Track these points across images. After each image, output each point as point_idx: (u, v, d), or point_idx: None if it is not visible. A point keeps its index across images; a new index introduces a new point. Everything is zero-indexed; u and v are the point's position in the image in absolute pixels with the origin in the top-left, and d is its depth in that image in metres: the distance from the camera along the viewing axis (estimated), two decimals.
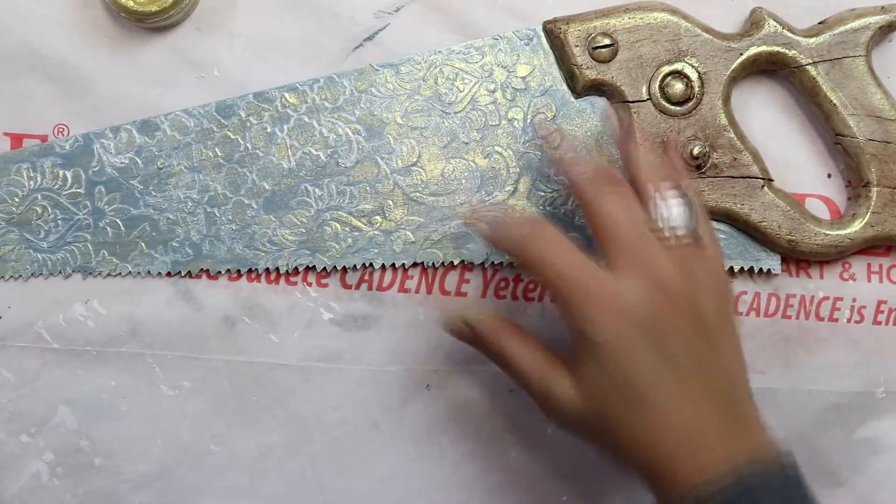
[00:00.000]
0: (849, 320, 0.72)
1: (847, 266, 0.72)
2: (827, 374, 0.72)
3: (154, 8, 0.68)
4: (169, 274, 0.68)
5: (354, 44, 0.71)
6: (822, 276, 0.72)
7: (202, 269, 0.68)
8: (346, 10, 0.72)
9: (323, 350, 0.71)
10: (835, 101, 0.68)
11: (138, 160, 0.68)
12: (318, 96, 0.68)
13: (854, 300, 0.72)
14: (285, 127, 0.68)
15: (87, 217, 0.67)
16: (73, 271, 0.68)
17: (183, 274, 0.68)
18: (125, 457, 0.71)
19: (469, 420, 0.73)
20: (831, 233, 0.68)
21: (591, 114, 0.69)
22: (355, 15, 0.72)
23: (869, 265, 0.72)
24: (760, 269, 0.69)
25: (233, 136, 0.68)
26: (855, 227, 0.68)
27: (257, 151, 0.68)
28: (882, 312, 0.72)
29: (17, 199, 0.67)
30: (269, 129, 0.68)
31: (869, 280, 0.72)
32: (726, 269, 0.68)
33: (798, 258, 0.70)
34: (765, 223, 0.67)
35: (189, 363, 0.70)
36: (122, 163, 0.68)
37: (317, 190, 0.68)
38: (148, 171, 0.68)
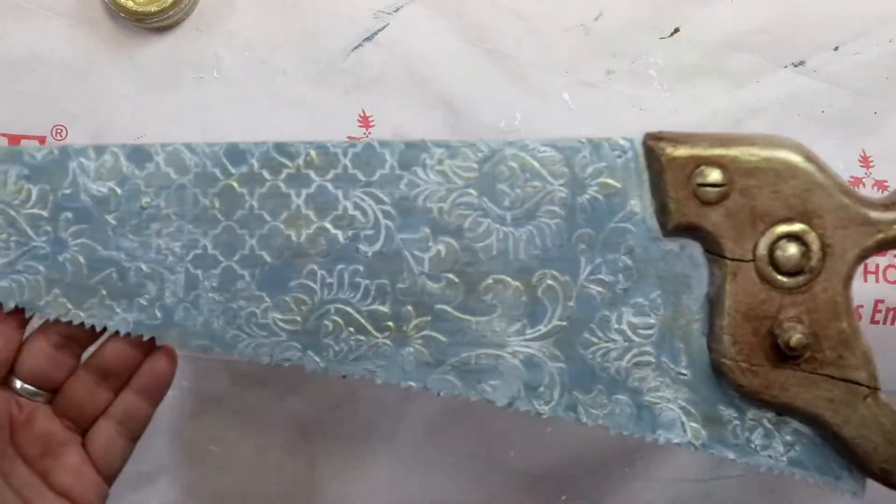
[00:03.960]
0: None
1: None
2: None
3: (153, 8, 0.69)
4: (128, 335, 0.56)
5: (354, 44, 0.72)
6: None
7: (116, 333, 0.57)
8: (345, 11, 0.73)
9: None
10: None
11: (120, 192, 0.55)
12: (350, 163, 0.55)
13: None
14: (304, 192, 0.55)
15: (45, 245, 0.55)
16: (17, 306, 0.56)
17: (145, 338, 0.56)
18: None
19: (468, 420, 0.73)
20: None
21: (677, 259, 0.55)
22: (354, 15, 0.72)
23: (866, 265, 0.73)
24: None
25: (238, 189, 0.55)
26: None
27: (264, 214, 0.55)
28: (880, 312, 0.73)
29: None
30: (283, 190, 0.55)
31: (865, 280, 0.74)
32: (795, 477, 0.56)
33: (889, 486, 0.57)
34: (858, 441, 0.54)
35: (189, 363, 0.70)
36: (99, 191, 0.55)
37: (325, 275, 0.55)
38: (129, 209, 0.55)
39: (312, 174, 0.55)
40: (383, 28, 0.72)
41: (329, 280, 0.55)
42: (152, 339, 0.56)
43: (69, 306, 0.56)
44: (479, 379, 0.56)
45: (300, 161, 0.55)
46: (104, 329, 0.56)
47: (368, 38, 0.72)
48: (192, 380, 0.70)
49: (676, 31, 0.77)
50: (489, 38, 0.75)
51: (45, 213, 0.55)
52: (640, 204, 0.55)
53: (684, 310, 0.55)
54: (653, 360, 0.55)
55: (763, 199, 0.53)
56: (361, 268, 0.55)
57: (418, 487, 0.73)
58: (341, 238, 0.55)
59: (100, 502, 0.59)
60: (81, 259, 0.55)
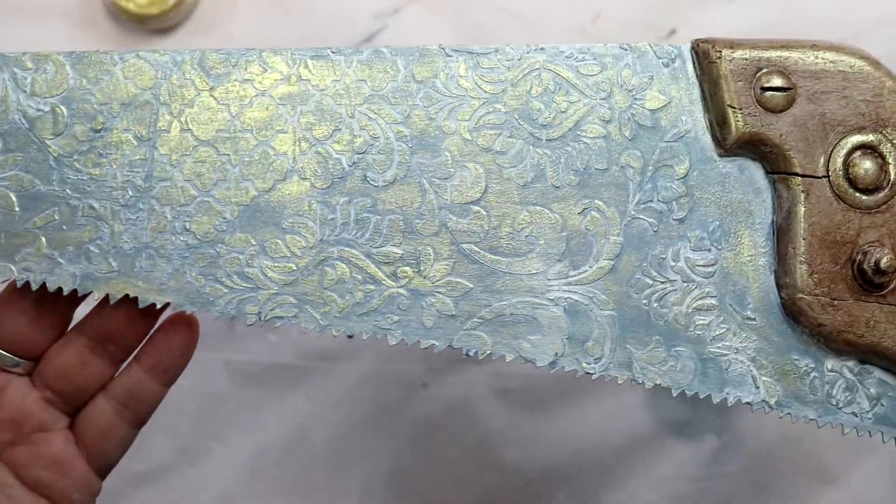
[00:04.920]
0: None
1: None
2: None
3: (154, 10, 0.70)
4: (74, 293, 0.44)
5: (353, 45, 0.64)
6: None
7: (126, 295, 0.44)
8: (344, 12, 0.73)
9: (321, 349, 0.72)
10: None
11: (65, 111, 0.44)
12: (356, 74, 0.46)
13: None
14: (299, 108, 0.45)
15: None
16: None
17: (96, 297, 0.44)
18: (126, 455, 0.61)
19: (466, 418, 0.73)
20: None
21: (736, 182, 0.47)
22: (354, 17, 0.73)
23: None
24: None
25: (217, 104, 0.45)
26: None
27: (251, 136, 0.45)
28: None
29: None
30: (273, 107, 0.45)
31: None
32: (883, 439, 0.48)
33: None
34: None
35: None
36: (39, 109, 0.44)
37: (326, 210, 0.45)
38: (76, 131, 0.44)
39: (311, 87, 0.45)
40: (382, 30, 0.73)
41: (331, 216, 0.45)
42: (166, 304, 0.45)
43: None
44: (516, 333, 0.46)
45: (294, 72, 0.45)
46: (44, 286, 0.44)
47: (367, 40, 0.73)
48: (192, 380, 0.64)
49: (673, 32, 0.77)
50: (488, 39, 0.74)
51: None
52: (692, 119, 0.47)
53: (748, 242, 0.47)
54: (716, 303, 0.47)
55: (833, 105, 0.47)
56: (370, 201, 0.45)
57: (417, 485, 0.74)
58: (345, 163, 0.45)
59: (87, 500, 0.47)
60: (12, 196, 0.43)
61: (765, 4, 0.75)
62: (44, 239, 0.43)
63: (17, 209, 0.43)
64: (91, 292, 0.44)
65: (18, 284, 0.44)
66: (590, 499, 0.74)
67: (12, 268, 0.43)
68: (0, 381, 0.46)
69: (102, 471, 0.48)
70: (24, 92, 0.44)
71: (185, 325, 0.47)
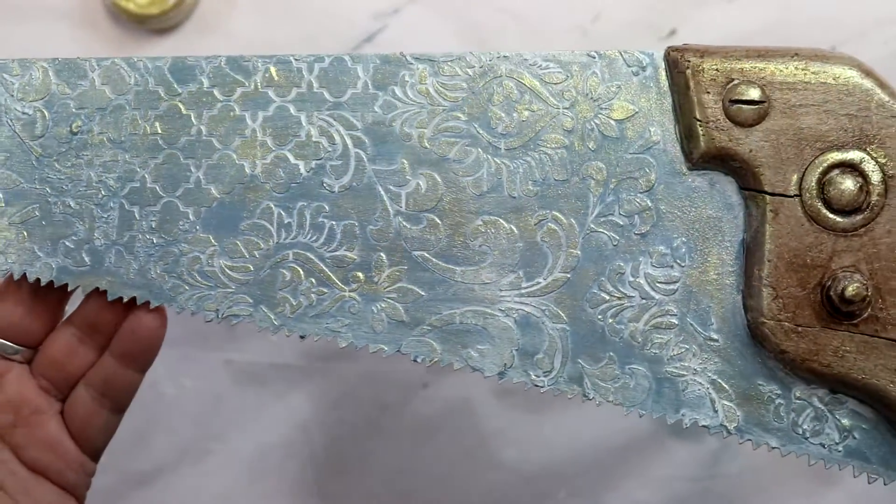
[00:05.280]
0: None
1: None
2: None
3: (154, 10, 0.70)
4: (51, 284, 0.47)
5: (352, 46, 0.73)
6: None
7: (95, 289, 0.47)
8: (344, 13, 0.73)
9: (321, 350, 0.72)
10: None
11: (46, 114, 0.47)
12: (316, 81, 0.47)
13: None
14: (260, 115, 0.47)
15: None
16: None
17: (70, 288, 0.47)
18: (126, 455, 0.70)
19: (466, 418, 0.73)
20: None
21: (706, 197, 0.45)
22: (353, 17, 0.73)
23: None
24: None
25: (184, 111, 0.47)
26: None
27: (213, 140, 0.47)
28: None
29: None
30: (236, 113, 0.47)
31: None
32: (854, 473, 0.45)
33: None
34: None
35: (189, 363, 0.71)
36: (24, 112, 0.47)
37: (283, 213, 0.46)
38: (56, 133, 0.47)
39: (271, 94, 0.47)
40: (382, 30, 0.73)
41: (287, 220, 0.46)
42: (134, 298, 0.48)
43: None
44: (464, 342, 0.46)
45: (258, 78, 0.47)
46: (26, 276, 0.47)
47: (367, 40, 0.73)
48: (193, 380, 0.70)
49: (673, 32, 0.76)
50: (487, 39, 0.75)
51: None
52: (662, 131, 0.46)
53: (715, 260, 0.45)
54: (676, 321, 0.45)
55: (810, 120, 0.44)
56: (326, 206, 0.46)
57: (417, 485, 0.73)
58: (303, 169, 0.47)
59: (82, 480, 0.51)
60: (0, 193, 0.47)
61: (765, 4, 0.75)
62: (25, 233, 0.47)
63: (2, 205, 0.47)
64: (68, 284, 0.47)
65: (1, 275, 0.47)
66: (590, 498, 0.74)
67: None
68: (2, 367, 0.49)
69: (93, 454, 0.51)
70: (12, 96, 0.47)
71: (153, 314, 0.49)
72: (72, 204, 0.47)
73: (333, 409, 0.73)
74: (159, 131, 0.47)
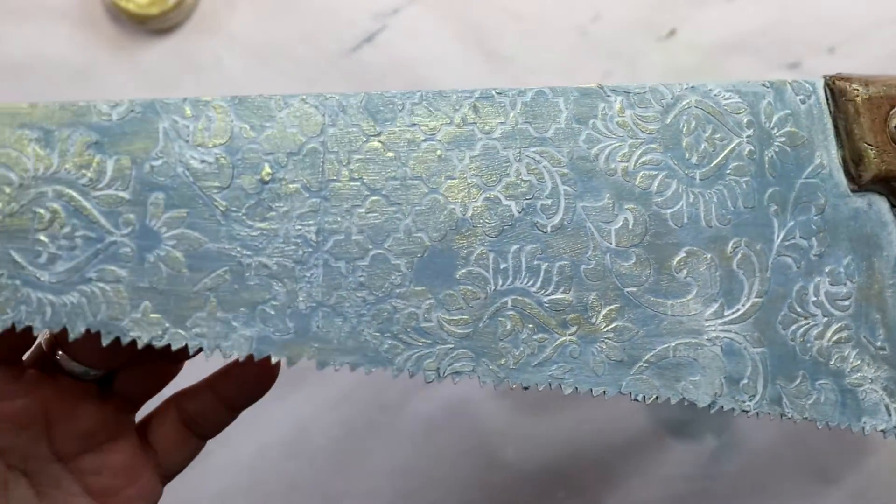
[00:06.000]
0: None
1: None
2: None
3: (154, 10, 0.71)
4: (251, 359, 0.40)
5: (353, 46, 0.74)
6: None
7: (307, 358, 0.41)
8: (344, 13, 0.74)
9: None
10: None
11: (228, 161, 0.40)
12: (521, 116, 0.44)
13: None
14: (467, 154, 0.43)
15: (127, 241, 0.39)
16: (88, 329, 0.39)
17: (273, 361, 0.41)
18: None
19: (466, 418, 0.73)
20: None
21: (866, 217, 0.49)
22: (353, 17, 0.74)
23: None
24: None
25: (387, 152, 0.42)
26: None
27: (420, 183, 0.43)
28: None
29: (6, 191, 0.38)
30: (440, 153, 0.43)
31: None
32: None
33: None
34: None
35: (189, 362, 0.60)
36: (203, 160, 0.40)
37: (499, 259, 0.43)
38: (243, 183, 0.41)
39: (476, 130, 0.44)
40: (382, 30, 0.74)
41: (503, 265, 0.43)
42: None
43: (166, 324, 0.39)
44: (678, 376, 0.46)
45: (460, 115, 0.43)
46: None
47: (367, 40, 0.74)
48: (193, 380, 0.66)
49: (673, 32, 0.77)
50: (487, 39, 0.75)
51: (125, 195, 0.39)
52: (826, 155, 0.48)
53: (877, 275, 0.49)
54: (852, 335, 0.48)
55: None
56: (540, 247, 0.44)
57: (417, 485, 0.73)
58: (515, 210, 0.44)
59: None
60: (180, 256, 0.40)
61: (765, 4, 0.76)
62: (215, 301, 0.40)
63: (185, 270, 0.40)
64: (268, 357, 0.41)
65: (191, 352, 0.40)
66: (590, 498, 0.75)
67: (184, 334, 0.39)
68: (76, 393, 0.44)
69: (166, 477, 0.47)
70: (186, 142, 0.40)
71: (261, 367, 0.44)
72: (268, 263, 0.41)
73: (333, 408, 0.73)
74: (361, 175, 0.42)
